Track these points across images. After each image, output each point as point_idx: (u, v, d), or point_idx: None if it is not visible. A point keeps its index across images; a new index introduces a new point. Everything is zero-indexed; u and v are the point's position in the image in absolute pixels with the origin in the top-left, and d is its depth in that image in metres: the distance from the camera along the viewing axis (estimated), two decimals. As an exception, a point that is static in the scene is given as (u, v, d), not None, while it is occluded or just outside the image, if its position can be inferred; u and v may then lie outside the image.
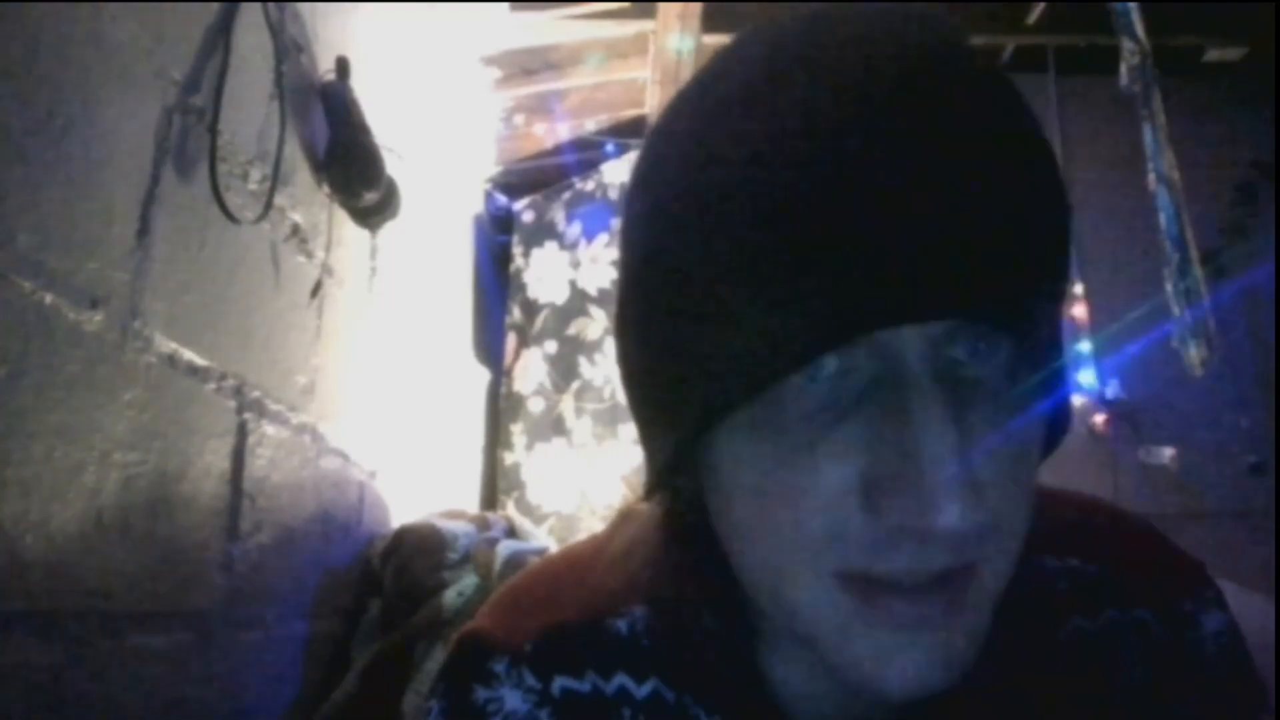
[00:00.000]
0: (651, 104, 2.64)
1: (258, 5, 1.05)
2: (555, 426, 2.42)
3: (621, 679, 0.49)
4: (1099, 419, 2.61)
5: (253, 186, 1.06)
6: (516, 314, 2.55)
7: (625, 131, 2.75)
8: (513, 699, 0.49)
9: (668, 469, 0.44)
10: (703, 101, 0.41)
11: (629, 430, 2.33)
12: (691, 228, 0.38)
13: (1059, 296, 0.40)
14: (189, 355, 0.91)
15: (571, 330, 2.48)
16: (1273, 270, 2.56)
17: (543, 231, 2.60)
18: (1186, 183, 2.13)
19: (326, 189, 1.29)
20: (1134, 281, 2.43)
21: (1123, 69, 2.17)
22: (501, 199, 2.69)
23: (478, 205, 2.55)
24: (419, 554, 1.37)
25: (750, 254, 0.36)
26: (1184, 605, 0.52)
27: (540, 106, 2.63)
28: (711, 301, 0.37)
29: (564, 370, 2.45)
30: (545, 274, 2.56)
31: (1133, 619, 0.51)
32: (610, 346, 2.43)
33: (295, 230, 1.19)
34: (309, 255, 1.24)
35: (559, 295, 2.52)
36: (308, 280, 1.23)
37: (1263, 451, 2.53)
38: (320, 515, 1.25)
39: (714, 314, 0.37)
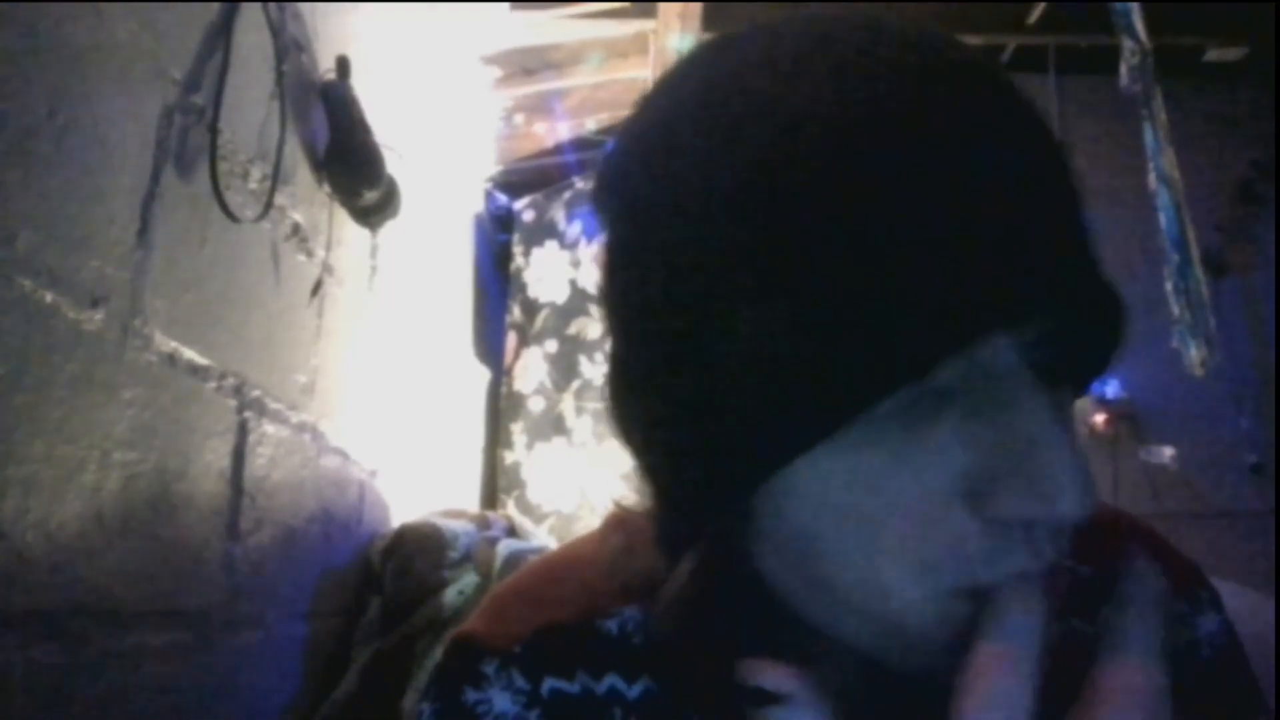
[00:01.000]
0: (652, 103, 2.64)
1: (258, 4, 1.05)
2: (555, 425, 2.42)
3: (612, 679, 0.49)
4: (1099, 419, 2.61)
5: (253, 185, 1.06)
6: (517, 313, 2.55)
7: (625, 131, 2.75)
8: (502, 700, 0.49)
9: (712, 516, 0.42)
10: (746, 114, 0.38)
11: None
12: (777, 237, 0.35)
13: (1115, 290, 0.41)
14: (189, 354, 0.91)
15: (572, 329, 2.48)
16: (1273, 270, 2.56)
17: (543, 231, 2.60)
18: (1187, 182, 2.13)
19: (327, 188, 1.29)
20: (1134, 281, 2.43)
21: (1123, 69, 2.17)
22: (502, 198, 2.69)
23: (478, 204, 2.55)
24: (419, 553, 1.37)
25: (867, 264, 0.34)
26: (1180, 607, 0.52)
27: (540, 106, 2.63)
28: (820, 315, 0.35)
29: (564, 369, 2.45)
30: (545, 273, 2.56)
31: None
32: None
33: (296, 229, 1.19)
34: (309, 254, 1.24)
35: (559, 294, 2.52)
36: (308, 279, 1.23)
37: (1263, 451, 2.53)
38: (321, 514, 1.25)
39: (823, 327, 0.35)
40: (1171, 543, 0.56)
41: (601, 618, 0.51)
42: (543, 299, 2.54)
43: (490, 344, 2.49)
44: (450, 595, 1.32)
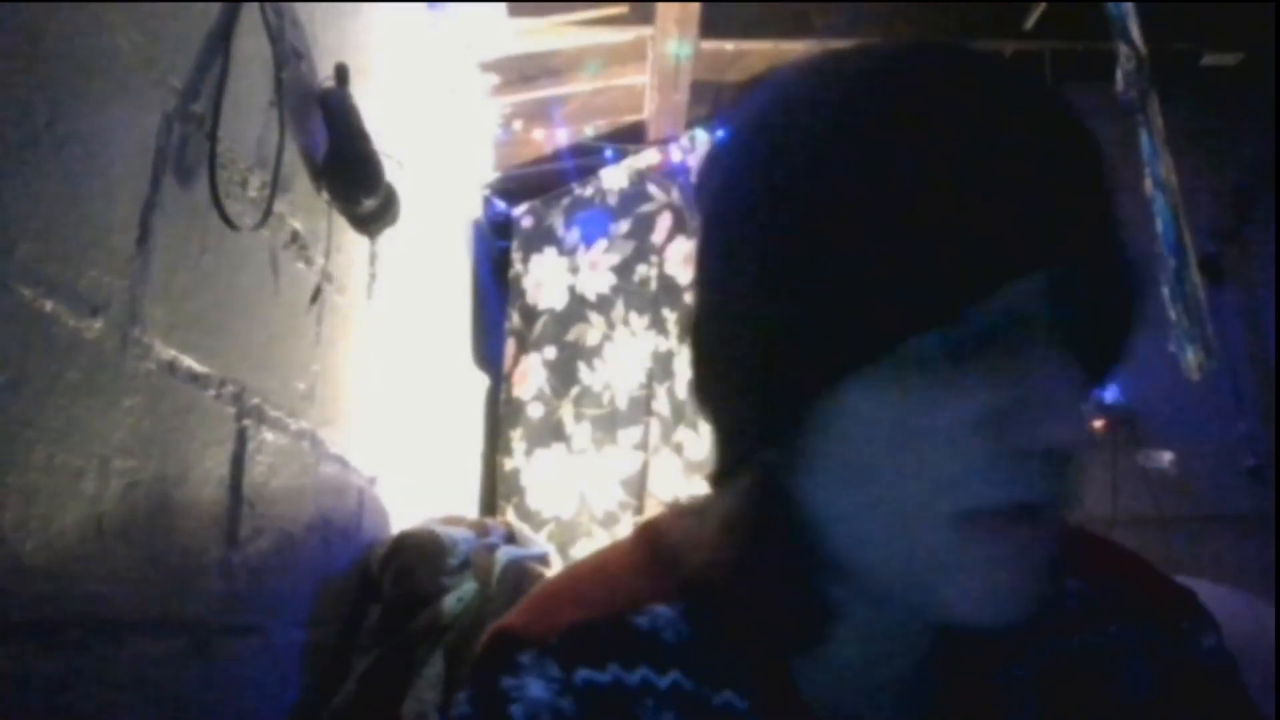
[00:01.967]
0: (650, 109, 2.64)
1: (257, 12, 1.05)
2: (554, 432, 2.42)
3: (644, 671, 0.52)
4: (1097, 423, 2.61)
5: (252, 193, 1.06)
6: (515, 320, 2.55)
7: (624, 137, 2.76)
8: (535, 687, 0.51)
9: (764, 437, 0.48)
10: (845, 90, 0.46)
11: (628, 435, 2.33)
12: (850, 196, 0.42)
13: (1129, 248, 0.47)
14: (189, 362, 0.91)
15: (570, 336, 2.48)
16: (1271, 274, 2.56)
17: (541, 237, 2.60)
18: (1184, 188, 2.13)
19: (326, 195, 1.29)
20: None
21: (1119, 74, 2.17)
22: (500, 205, 2.70)
23: (477, 211, 2.55)
24: (418, 560, 1.37)
25: (906, 221, 0.41)
26: (1182, 624, 0.56)
27: (539, 112, 2.63)
28: (864, 260, 0.41)
29: (563, 376, 2.45)
30: (544, 280, 2.56)
31: (1136, 635, 0.55)
32: (609, 352, 2.43)
33: (295, 237, 1.19)
34: (308, 262, 1.24)
35: (558, 301, 2.52)
36: (307, 287, 1.23)
37: (1261, 455, 2.54)
38: (319, 521, 1.25)
39: (865, 270, 0.42)
40: (1166, 571, 0.60)
41: (633, 614, 0.53)
42: (541, 305, 2.54)
43: (489, 351, 2.49)
44: (449, 602, 1.32)
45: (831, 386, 0.44)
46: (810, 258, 0.43)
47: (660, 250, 2.45)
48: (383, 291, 1.56)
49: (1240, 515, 2.52)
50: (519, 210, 2.65)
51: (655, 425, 2.30)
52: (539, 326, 2.52)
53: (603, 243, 2.52)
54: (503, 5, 2.15)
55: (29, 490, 0.68)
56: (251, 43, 1.05)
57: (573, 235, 2.57)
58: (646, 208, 2.51)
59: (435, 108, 2.01)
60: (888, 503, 0.44)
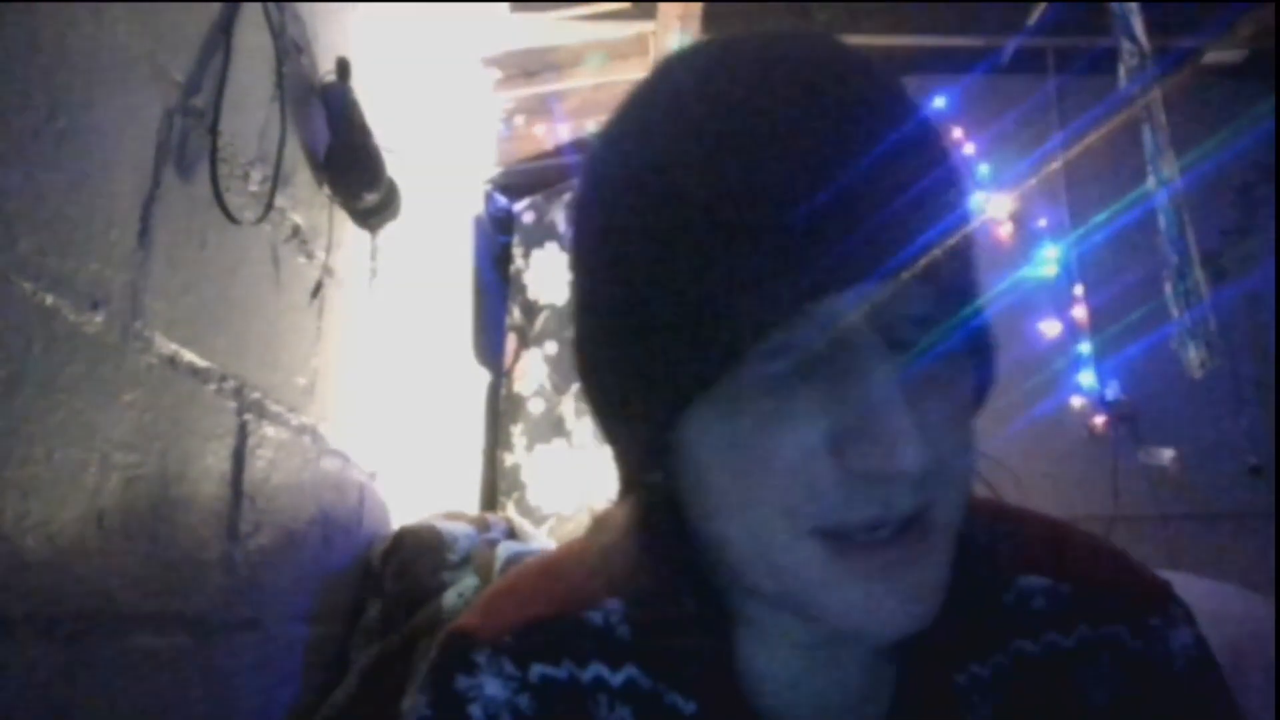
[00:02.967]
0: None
1: (258, 6, 1.05)
2: (555, 428, 2.42)
3: (597, 668, 0.52)
4: (1099, 420, 2.61)
5: (253, 188, 1.06)
6: (517, 315, 2.55)
7: (625, 133, 2.75)
8: (492, 686, 0.52)
9: (640, 466, 0.48)
10: (644, 116, 0.46)
11: (629, 431, 2.33)
12: (649, 228, 0.42)
13: (977, 264, 0.45)
14: (189, 356, 0.91)
15: (571, 332, 2.48)
16: (1273, 272, 2.56)
17: (543, 232, 2.60)
18: (1186, 185, 2.13)
19: (327, 190, 1.29)
20: (1134, 283, 2.43)
21: (1122, 71, 2.17)
22: (502, 200, 2.69)
23: (478, 206, 2.55)
24: (419, 555, 1.37)
25: (704, 247, 0.40)
26: (1152, 621, 0.54)
27: (540, 107, 2.63)
28: (675, 292, 0.41)
29: (564, 371, 2.45)
30: (545, 275, 2.56)
31: (1105, 634, 0.53)
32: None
33: (296, 231, 1.19)
34: (309, 256, 1.24)
35: (559, 296, 2.52)
36: (308, 281, 1.23)
37: (1262, 453, 2.53)
38: (320, 517, 1.25)
39: (678, 303, 0.41)
40: (1140, 563, 0.58)
41: (587, 610, 0.54)
42: (543, 301, 2.54)
43: (490, 346, 2.49)
44: (450, 598, 1.32)
45: (679, 416, 0.44)
46: (627, 292, 0.44)
47: (661, 246, 2.45)
48: (384, 286, 1.55)
49: (1241, 513, 2.52)
50: (520, 205, 2.65)
51: (656, 421, 2.30)
52: (540, 322, 2.52)
53: (604, 238, 2.51)
54: (505, 1, 2.15)
55: (30, 484, 0.68)
56: (253, 37, 1.04)
57: (574, 231, 2.57)
58: (648, 203, 2.50)
59: (437, 103, 2.00)
60: (750, 525, 0.44)
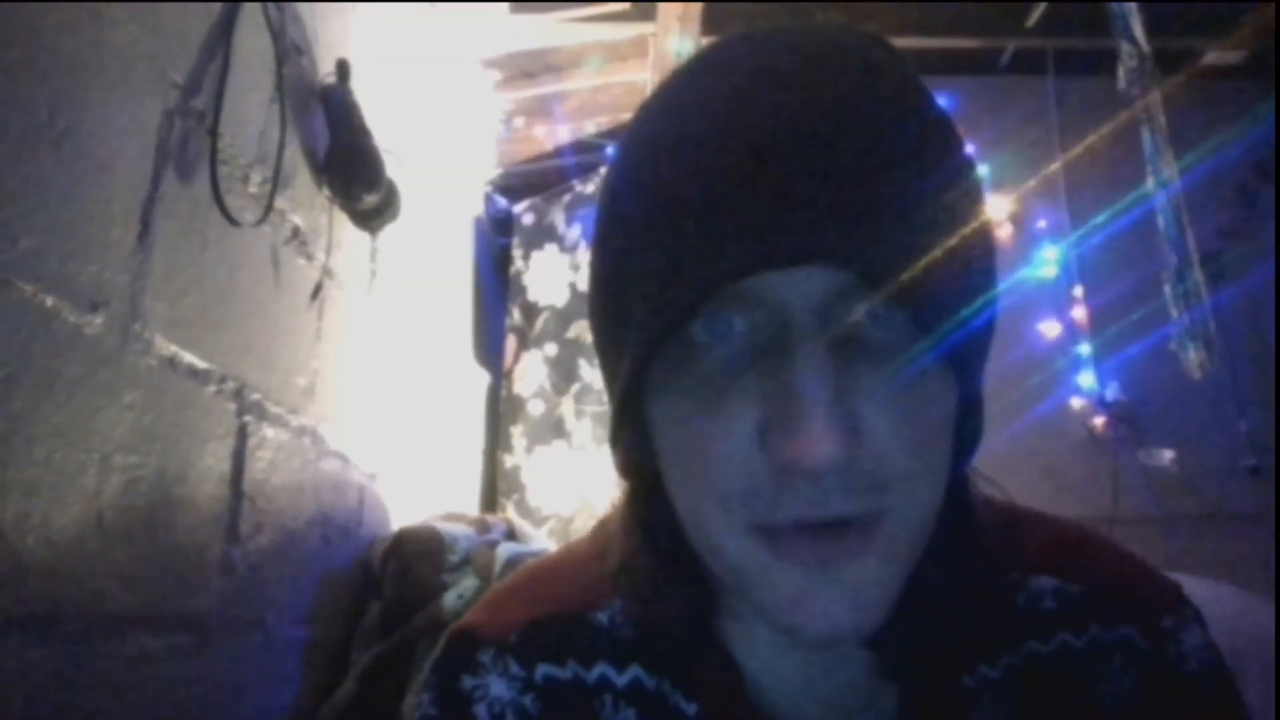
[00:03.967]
0: (651, 107, 2.63)
1: (258, 8, 1.05)
2: (555, 429, 2.42)
3: (602, 668, 0.52)
4: (1099, 421, 2.61)
5: (253, 189, 1.06)
6: (516, 316, 2.55)
7: (625, 134, 2.75)
8: (498, 686, 0.52)
9: (616, 439, 0.49)
10: (648, 107, 0.47)
11: (629, 433, 2.33)
12: (619, 210, 0.44)
13: (963, 271, 0.42)
14: (189, 358, 0.91)
15: (571, 333, 2.48)
16: (1272, 272, 2.56)
17: (543, 234, 2.60)
18: (1185, 186, 2.13)
19: (327, 192, 1.29)
20: (1133, 284, 2.43)
21: (1121, 72, 2.17)
22: (501, 201, 2.69)
23: (478, 208, 2.55)
24: (419, 556, 1.37)
25: (651, 227, 0.41)
26: (1164, 622, 0.54)
27: (540, 109, 2.63)
28: (631, 268, 0.43)
29: (564, 373, 2.45)
30: (545, 276, 2.56)
31: (1117, 635, 0.53)
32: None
33: (296, 233, 1.19)
34: (309, 258, 1.24)
35: (559, 298, 2.52)
36: (308, 283, 1.23)
37: (1262, 454, 2.53)
38: (320, 518, 1.25)
39: (631, 278, 0.42)
40: (1151, 563, 0.57)
41: (592, 610, 0.53)
42: (542, 302, 2.54)
43: (490, 347, 2.49)
44: (450, 599, 1.32)
45: (641, 390, 0.44)
46: (603, 270, 0.46)
47: (661, 247, 2.45)
48: (383, 288, 1.55)
49: (1241, 514, 2.52)
50: (520, 207, 2.65)
51: (656, 422, 2.30)
52: (540, 323, 2.52)
53: (604, 240, 2.51)
54: (504, 2, 2.15)
55: (30, 486, 0.68)
56: (253, 38, 1.05)
57: (574, 232, 2.57)
58: (647, 205, 2.50)
59: (436, 104, 2.00)
60: (693, 513, 0.44)
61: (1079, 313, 2.69)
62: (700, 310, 0.41)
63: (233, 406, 1.00)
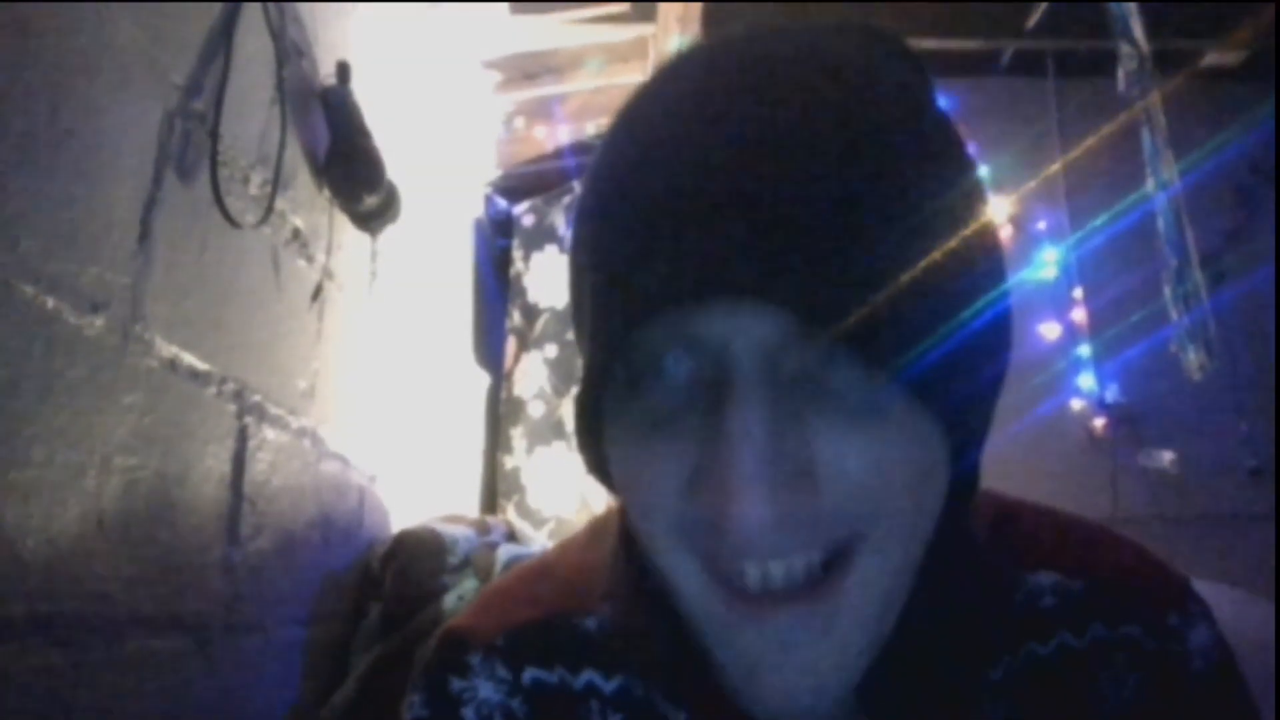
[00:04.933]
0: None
1: (259, 9, 1.05)
2: (555, 430, 2.42)
3: (589, 675, 0.51)
4: (1099, 423, 2.61)
5: (254, 191, 1.06)
6: (517, 318, 2.55)
7: (625, 135, 2.75)
8: (485, 688, 0.51)
9: (583, 444, 0.48)
10: (615, 120, 0.46)
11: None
12: (590, 222, 0.43)
13: (922, 309, 0.37)
14: (190, 359, 0.91)
15: (572, 334, 2.48)
16: (1272, 273, 2.56)
17: (543, 235, 2.60)
18: (1185, 187, 2.13)
19: (327, 193, 1.29)
20: (1133, 286, 2.44)
21: (1121, 73, 2.17)
22: (502, 203, 2.69)
23: (478, 209, 2.55)
24: (419, 558, 1.37)
25: (593, 251, 0.41)
26: (1170, 620, 0.52)
27: (540, 110, 2.63)
28: (580, 293, 0.43)
29: (564, 374, 2.45)
30: (545, 278, 2.56)
31: (1119, 635, 0.51)
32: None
33: (296, 234, 1.19)
34: (310, 259, 1.24)
35: (559, 299, 2.52)
36: (308, 284, 1.23)
37: (1262, 455, 2.53)
38: (320, 519, 1.25)
39: (583, 296, 0.42)
40: (1158, 556, 0.55)
41: (580, 615, 0.53)
42: (543, 304, 2.54)
43: (490, 349, 2.49)
44: (450, 600, 1.32)
45: (596, 433, 0.44)
46: (570, 280, 0.45)
47: (661, 249, 2.45)
48: (384, 289, 1.56)
49: (1241, 515, 2.52)
50: (520, 208, 2.65)
51: (656, 424, 2.30)
52: (540, 325, 2.52)
53: (604, 241, 2.51)
54: (504, 3, 2.15)
55: (30, 487, 0.68)
56: (253, 40, 1.05)
57: (574, 233, 2.57)
58: (647, 206, 2.51)
59: (437, 105, 2.00)
60: (650, 539, 0.42)
61: (1079, 314, 2.69)
62: (637, 341, 0.38)
63: (233, 408, 1.00)
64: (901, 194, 0.37)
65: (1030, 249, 2.75)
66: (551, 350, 2.48)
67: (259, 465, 1.06)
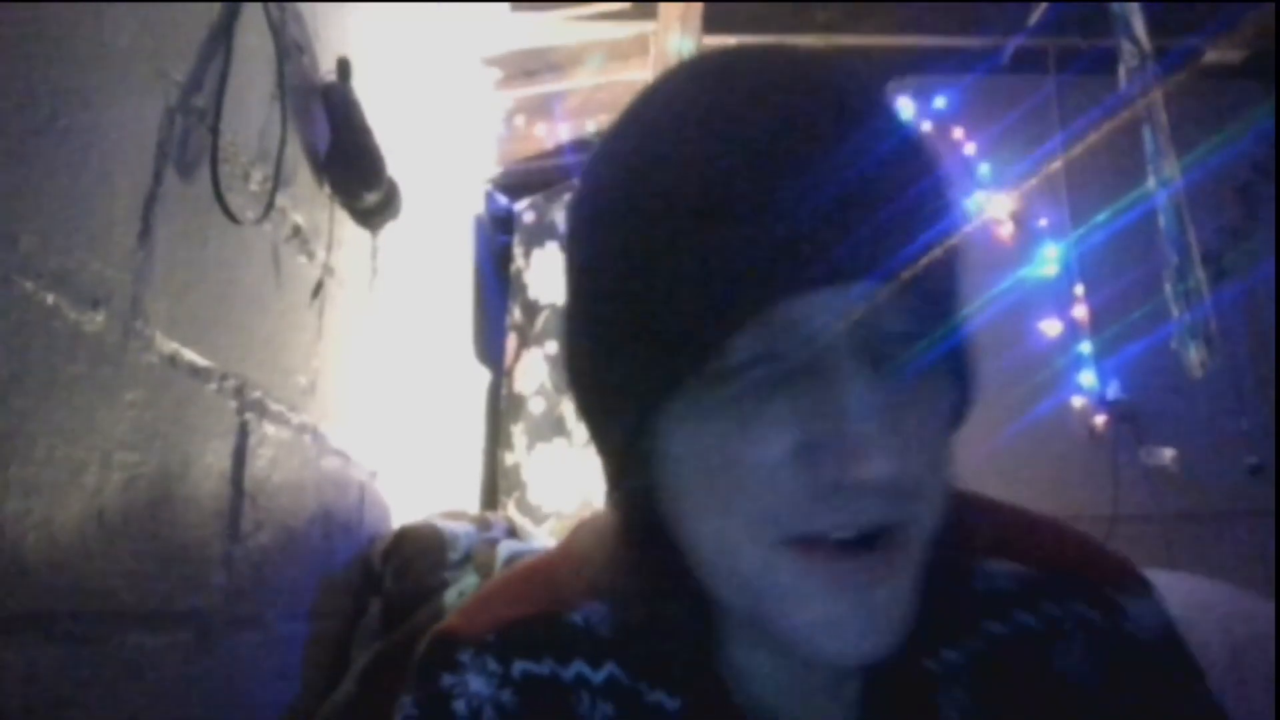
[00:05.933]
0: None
1: (259, 6, 1.05)
2: (556, 427, 2.42)
3: (579, 666, 0.53)
4: (1099, 420, 2.61)
5: (254, 187, 1.06)
6: (517, 314, 2.55)
7: (626, 132, 2.75)
8: (476, 682, 0.53)
9: (618, 465, 0.49)
10: (640, 122, 0.47)
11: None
12: (635, 229, 0.43)
13: (953, 279, 0.44)
14: (190, 355, 0.91)
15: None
16: (1273, 272, 2.56)
17: (543, 232, 2.60)
18: (1186, 184, 2.13)
19: (328, 190, 1.29)
20: (1134, 283, 2.43)
21: (1122, 71, 2.17)
22: (502, 200, 2.69)
23: (478, 206, 2.55)
24: (420, 554, 1.37)
25: (677, 245, 0.41)
26: (1113, 596, 0.55)
27: (541, 107, 2.63)
28: (652, 291, 0.42)
29: (564, 371, 2.45)
30: (546, 274, 2.56)
31: (1070, 612, 0.55)
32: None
33: (296, 231, 1.19)
34: (310, 256, 1.24)
35: (559, 296, 2.51)
36: (309, 281, 1.23)
37: (1263, 453, 2.53)
38: (321, 515, 1.25)
39: (655, 303, 0.42)
40: (1099, 541, 0.59)
41: (568, 612, 0.55)
42: (543, 300, 2.54)
43: (490, 345, 2.49)
44: (450, 597, 1.32)
45: (653, 417, 0.44)
46: (608, 285, 0.45)
47: (662, 246, 2.45)
48: (384, 286, 1.56)
49: (1241, 513, 2.52)
50: (520, 205, 2.65)
51: (656, 421, 2.30)
52: (540, 321, 2.52)
53: (604, 238, 2.51)
54: (505, 1, 2.15)
55: (31, 483, 0.68)
56: (253, 37, 1.05)
57: (574, 230, 2.57)
58: (648, 203, 2.50)
59: (437, 102, 2.00)
60: (717, 534, 0.45)
61: (1080, 311, 2.69)
62: (733, 336, 0.41)
63: (234, 404, 1.00)
64: (937, 192, 0.44)
65: (1031, 246, 2.75)
66: (552, 347, 2.48)
67: (259, 461, 1.06)
